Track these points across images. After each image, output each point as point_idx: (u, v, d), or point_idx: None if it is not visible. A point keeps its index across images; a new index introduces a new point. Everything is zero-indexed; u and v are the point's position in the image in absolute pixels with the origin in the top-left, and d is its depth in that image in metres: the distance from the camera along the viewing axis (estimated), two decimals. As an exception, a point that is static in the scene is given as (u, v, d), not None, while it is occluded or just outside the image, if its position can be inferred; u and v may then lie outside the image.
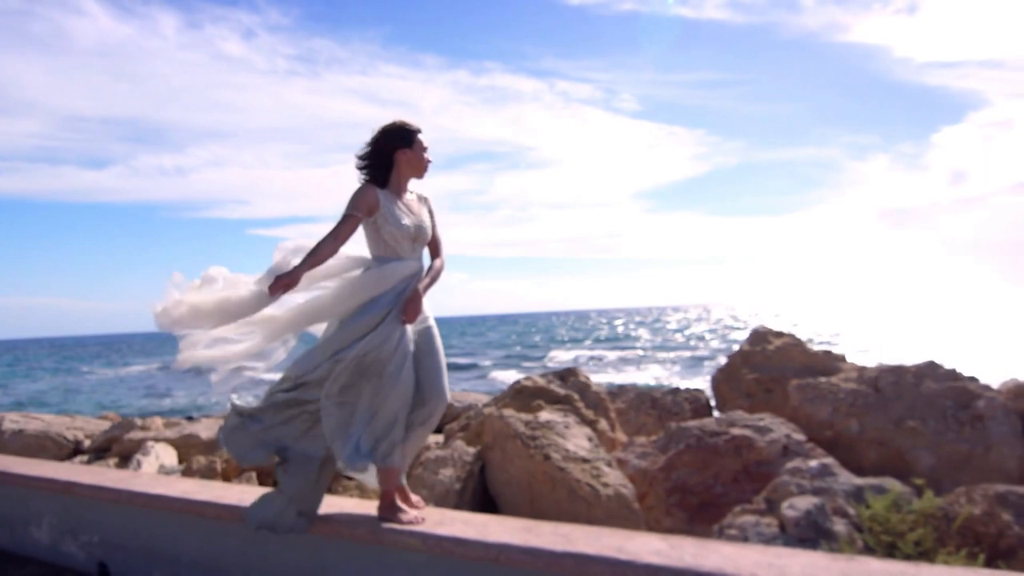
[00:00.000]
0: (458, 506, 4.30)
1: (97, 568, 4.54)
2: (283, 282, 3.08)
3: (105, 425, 9.78)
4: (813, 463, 4.09)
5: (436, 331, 3.37)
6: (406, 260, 3.28)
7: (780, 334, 5.68)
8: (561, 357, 46.56)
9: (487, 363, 45.44)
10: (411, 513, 3.24)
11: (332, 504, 3.75)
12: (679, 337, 63.59)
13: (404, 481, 3.44)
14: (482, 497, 4.59)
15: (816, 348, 5.61)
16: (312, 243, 3.17)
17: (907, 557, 2.72)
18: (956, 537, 2.90)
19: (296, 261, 3.16)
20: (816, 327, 60.22)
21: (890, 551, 2.82)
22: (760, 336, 5.67)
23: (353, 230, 3.20)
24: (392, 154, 3.25)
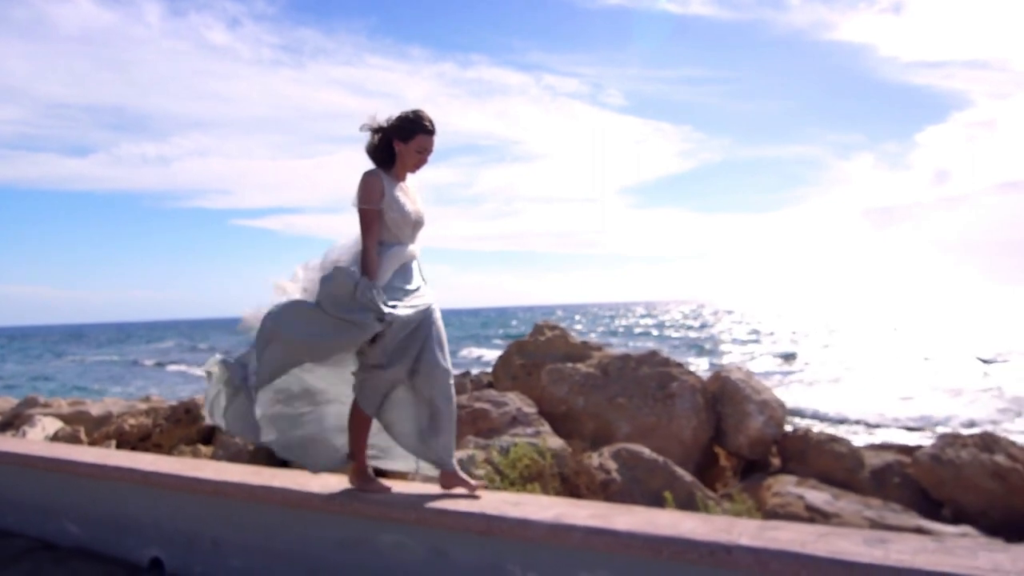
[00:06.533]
0: (249, 462, 5.16)
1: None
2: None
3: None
4: (530, 429, 5.03)
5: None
6: (406, 245, 3.27)
7: (554, 327, 6.62)
8: (476, 352, 46.73)
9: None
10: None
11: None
12: (621, 331, 65.03)
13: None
14: (278, 457, 5.45)
15: (578, 339, 6.55)
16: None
17: (502, 489, 3.63)
18: (551, 477, 3.83)
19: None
20: (782, 323, 61.75)
21: (500, 487, 3.73)
22: (538, 329, 6.61)
23: (378, 220, 3.17)
24: (391, 142, 3.24)
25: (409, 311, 3.13)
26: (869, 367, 27.96)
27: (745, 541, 2.57)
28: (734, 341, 47.71)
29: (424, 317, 3.21)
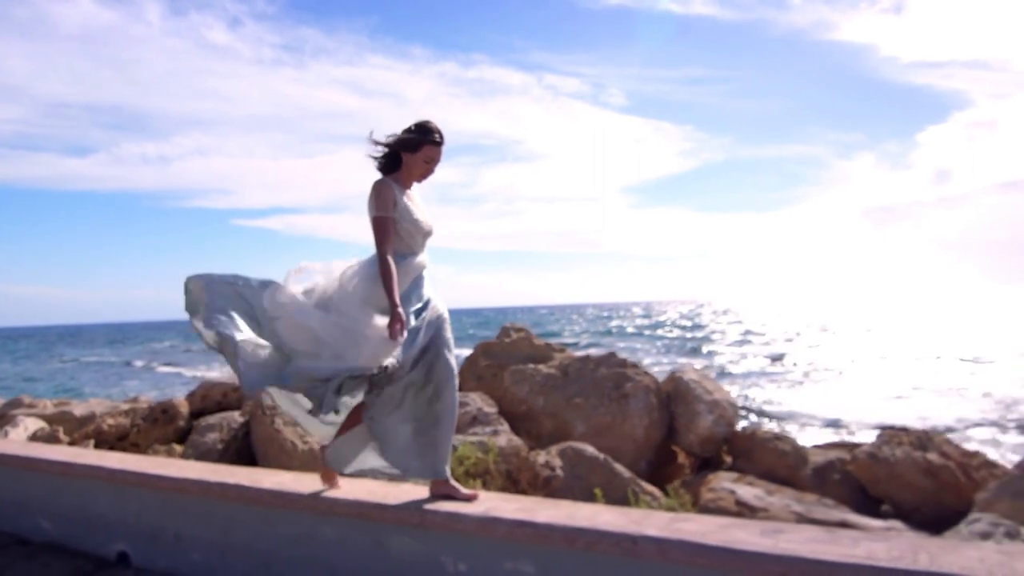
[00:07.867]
0: (218, 461, 5.34)
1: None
2: (399, 324, 3.01)
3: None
4: (488, 428, 5.22)
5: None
6: (417, 255, 3.25)
7: (520, 329, 6.82)
8: (467, 353, 46.52)
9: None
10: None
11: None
12: (615, 331, 65.25)
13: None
14: (247, 456, 5.64)
15: (541, 341, 6.74)
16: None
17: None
18: (497, 475, 4.02)
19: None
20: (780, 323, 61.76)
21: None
22: (504, 331, 6.80)
23: (393, 228, 3.13)
24: (400, 153, 3.22)
25: (425, 338, 3.18)
26: (856, 368, 28.19)
27: (652, 532, 2.76)
28: (725, 341, 47.88)
29: (435, 329, 3.24)
